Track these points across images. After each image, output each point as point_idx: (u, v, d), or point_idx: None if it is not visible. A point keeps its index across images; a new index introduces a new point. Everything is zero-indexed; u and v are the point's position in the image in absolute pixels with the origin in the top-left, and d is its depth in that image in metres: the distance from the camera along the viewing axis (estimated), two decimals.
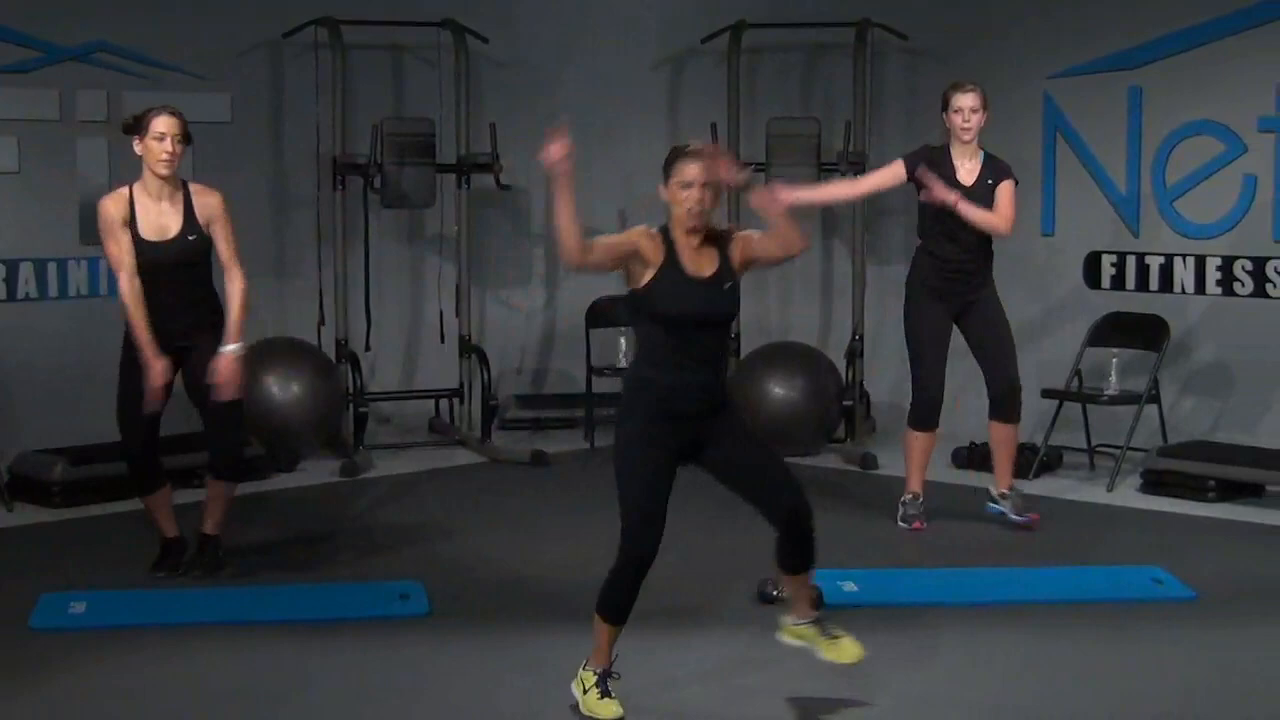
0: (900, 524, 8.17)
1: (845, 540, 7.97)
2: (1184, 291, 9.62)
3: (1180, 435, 9.34)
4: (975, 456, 9.49)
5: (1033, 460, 9.24)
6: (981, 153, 8.06)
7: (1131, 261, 9.81)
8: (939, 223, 7.99)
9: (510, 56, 10.71)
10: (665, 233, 5.44)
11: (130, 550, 7.61)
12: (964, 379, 10.54)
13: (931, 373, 8.09)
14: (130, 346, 7.07)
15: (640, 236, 5.44)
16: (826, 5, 10.24)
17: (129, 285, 7.00)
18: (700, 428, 5.46)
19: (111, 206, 7.04)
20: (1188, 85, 9.58)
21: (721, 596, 6.97)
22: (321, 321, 9.93)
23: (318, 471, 9.42)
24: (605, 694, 5.54)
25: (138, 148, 7.06)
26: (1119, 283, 9.83)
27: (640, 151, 10.98)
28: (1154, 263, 9.73)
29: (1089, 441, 9.51)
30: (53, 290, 9.40)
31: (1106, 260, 9.87)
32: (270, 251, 10.06)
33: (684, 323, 5.38)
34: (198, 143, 9.61)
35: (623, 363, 10.23)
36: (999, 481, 8.23)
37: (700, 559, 7.48)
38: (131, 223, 7.02)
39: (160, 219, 7.05)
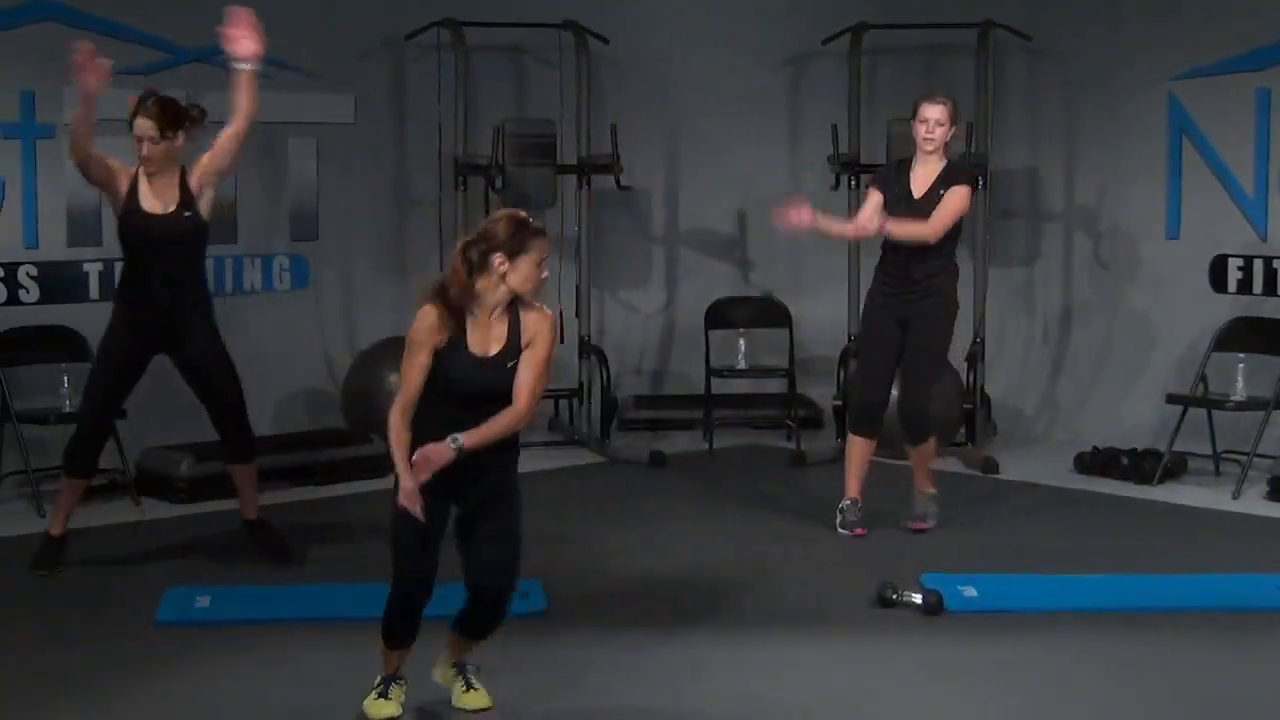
0: (840, 530, 8.03)
1: (965, 545, 7.93)
2: None
3: None
4: (1097, 461, 9.40)
5: (1157, 466, 9.15)
6: (943, 163, 7.96)
7: (1259, 265, 9.66)
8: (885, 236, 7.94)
9: (631, 58, 10.73)
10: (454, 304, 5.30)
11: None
12: (1087, 383, 10.47)
13: (871, 380, 8.06)
14: (115, 325, 7.24)
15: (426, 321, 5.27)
16: (948, 6, 10.17)
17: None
18: (459, 488, 5.35)
19: (118, 161, 7.18)
20: None
21: (836, 598, 6.95)
22: None
23: None
24: (383, 695, 5.61)
25: None
26: (1245, 286, 9.68)
27: (761, 153, 11.01)
28: None
29: (1214, 448, 9.37)
30: None
31: (1233, 264, 9.73)
32: (392, 251, 10.16)
33: (459, 397, 5.29)
34: (322, 144, 9.79)
35: (742, 364, 10.25)
36: (916, 480, 8.18)
37: (805, 563, 7.48)
38: (132, 195, 7.11)
39: (158, 195, 7.12)
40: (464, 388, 5.26)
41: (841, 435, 10.11)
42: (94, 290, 9.21)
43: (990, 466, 9.53)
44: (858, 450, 8.10)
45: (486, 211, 10.06)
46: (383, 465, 9.04)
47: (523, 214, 5.40)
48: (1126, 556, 7.75)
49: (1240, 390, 9.16)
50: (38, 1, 9.01)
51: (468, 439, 5.19)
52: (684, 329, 10.94)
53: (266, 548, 7.52)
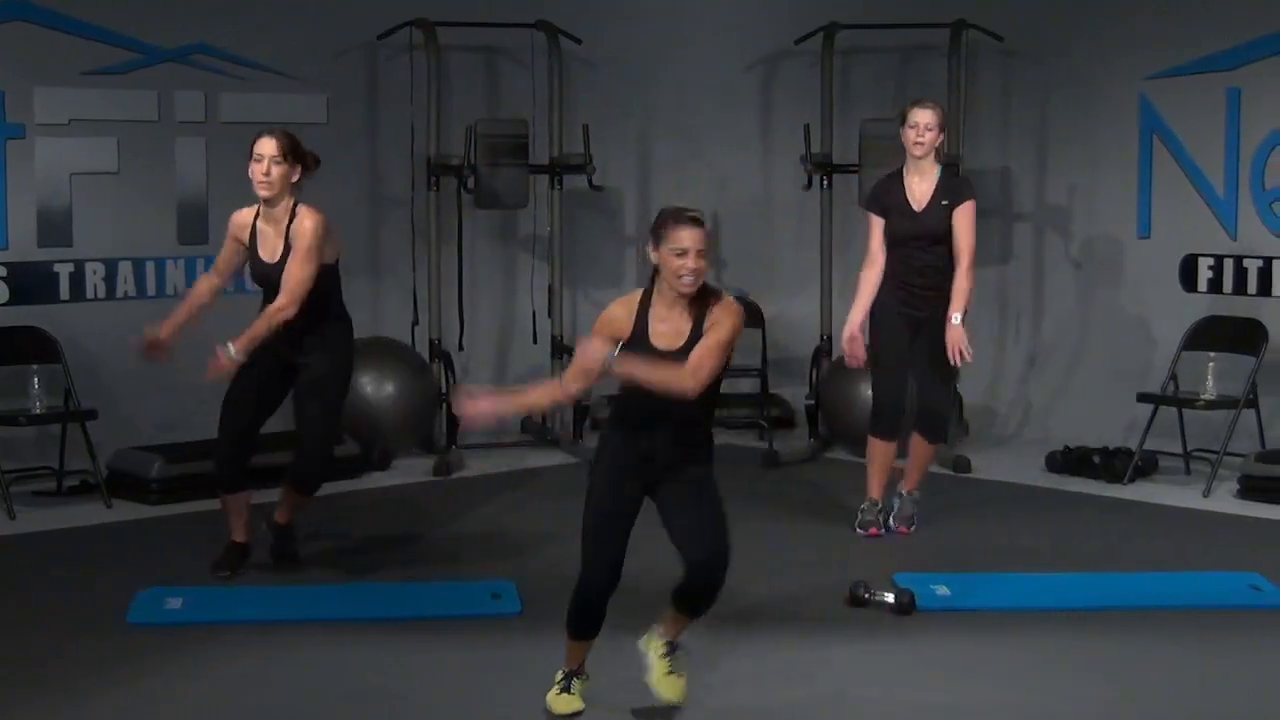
0: (857, 530, 8.04)
1: (937, 544, 7.94)
2: None
3: (1278, 441, 9.22)
4: (1069, 460, 9.42)
5: (1128, 465, 9.17)
6: (938, 169, 7.94)
7: (1229, 264, 9.70)
8: (896, 244, 7.89)
9: (603, 58, 10.72)
10: (646, 297, 5.41)
11: None
12: (1059, 383, 10.48)
13: (889, 384, 8.01)
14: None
15: (609, 321, 5.50)
16: (921, 6, 10.18)
17: (201, 282, 7.37)
18: (657, 473, 5.52)
19: (237, 216, 7.25)
20: None
21: (809, 598, 6.96)
22: (415, 321, 9.98)
23: (410, 471, 9.47)
24: (565, 690, 5.67)
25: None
26: (1216, 286, 9.72)
27: (734, 153, 11.02)
28: (1252, 266, 9.61)
29: (1185, 446, 9.40)
30: (151, 289, 9.48)
31: (1203, 263, 9.76)
32: (365, 251, 10.11)
33: (642, 391, 5.37)
34: None
35: None
36: (906, 480, 8.16)
37: (778, 563, 7.48)
38: (252, 242, 7.15)
39: (271, 240, 7.15)
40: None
41: (813, 435, 10.16)
42: (64, 291, 9.18)
43: (962, 465, 9.54)
44: (880, 453, 8.08)
45: (459, 212, 10.09)
46: (360, 465, 9.13)
47: (677, 207, 5.47)
48: (1098, 555, 7.77)
49: (1211, 389, 9.19)
50: (8, 1, 8.97)
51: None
52: None
53: (275, 550, 7.48)
